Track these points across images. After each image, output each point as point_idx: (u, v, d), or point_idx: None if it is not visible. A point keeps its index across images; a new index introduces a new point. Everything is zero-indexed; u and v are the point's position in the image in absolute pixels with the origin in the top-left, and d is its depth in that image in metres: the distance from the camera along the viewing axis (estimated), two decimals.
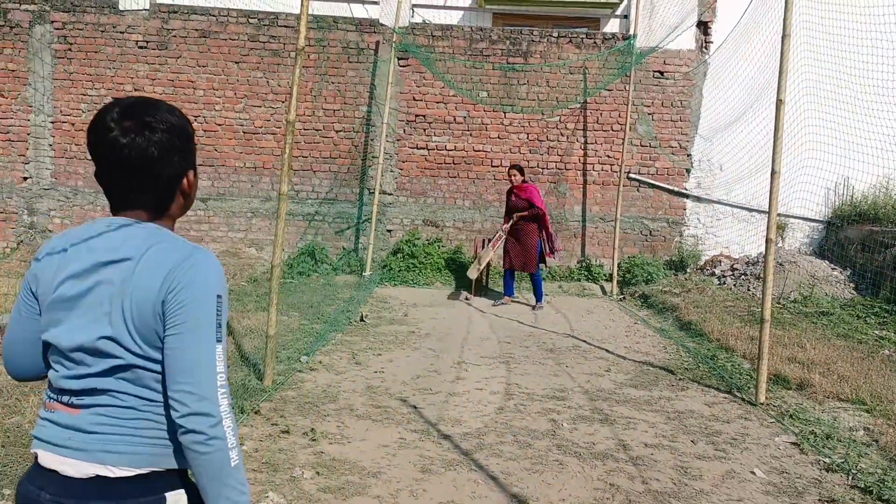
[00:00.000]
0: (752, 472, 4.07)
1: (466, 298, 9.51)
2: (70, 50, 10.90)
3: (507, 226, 9.25)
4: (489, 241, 9.75)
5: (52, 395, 1.58)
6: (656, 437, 4.61)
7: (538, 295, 9.22)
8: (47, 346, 1.60)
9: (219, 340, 1.52)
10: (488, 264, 9.99)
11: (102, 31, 10.90)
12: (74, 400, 1.53)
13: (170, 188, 1.60)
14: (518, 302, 9.29)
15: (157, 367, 1.52)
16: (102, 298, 1.51)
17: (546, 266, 9.58)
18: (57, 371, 1.56)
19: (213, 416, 1.47)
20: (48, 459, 1.54)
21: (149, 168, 1.53)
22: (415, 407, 5.03)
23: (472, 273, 9.64)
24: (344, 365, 6.05)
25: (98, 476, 1.50)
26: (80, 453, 1.51)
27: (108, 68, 10.93)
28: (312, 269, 10.52)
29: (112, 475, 1.50)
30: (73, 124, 10.95)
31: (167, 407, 1.52)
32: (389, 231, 11.31)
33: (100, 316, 1.50)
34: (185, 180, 1.63)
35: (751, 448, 4.47)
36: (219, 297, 1.53)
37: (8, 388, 4.58)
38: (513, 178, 9.23)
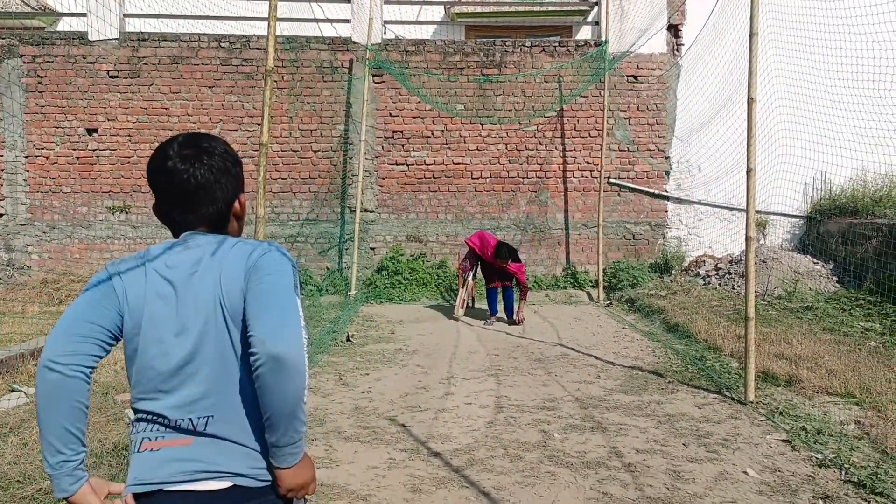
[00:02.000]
0: (745, 473, 4.04)
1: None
2: (41, 83, 10.81)
3: (473, 277, 9.33)
4: (462, 267, 9.48)
5: (155, 433, 1.58)
6: (648, 443, 4.57)
7: (510, 310, 9.00)
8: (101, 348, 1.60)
9: (297, 294, 1.62)
10: (472, 295, 9.88)
11: (73, 63, 10.82)
12: (187, 422, 1.56)
13: (225, 211, 1.70)
14: (503, 319, 9.17)
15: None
16: (199, 303, 1.58)
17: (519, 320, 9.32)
18: (160, 398, 1.58)
19: (300, 348, 1.53)
20: (173, 486, 1.56)
21: (206, 191, 1.63)
22: (404, 426, 4.97)
23: (458, 312, 9.37)
24: (331, 387, 5.97)
25: (235, 486, 1.57)
26: (209, 474, 1.56)
27: (81, 100, 10.84)
28: None
29: (246, 485, 1.58)
30: (47, 158, 10.84)
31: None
32: (373, 249, 11.26)
33: (199, 319, 1.57)
34: (237, 203, 1.73)
35: (742, 448, 4.45)
36: (293, 266, 1.66)
37: None
38: (502, 262, 8.68)
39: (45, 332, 7.36)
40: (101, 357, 1.59)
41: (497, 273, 8.95)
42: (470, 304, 9.80)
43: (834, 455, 4.20)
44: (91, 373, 1.58)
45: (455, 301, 9.61)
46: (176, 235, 1.68)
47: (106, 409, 4.94)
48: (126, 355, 1.63)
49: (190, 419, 1.56)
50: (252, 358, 1.50)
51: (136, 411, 1.63)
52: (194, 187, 1.62)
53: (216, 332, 1.57)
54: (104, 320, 1.58)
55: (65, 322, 1.56)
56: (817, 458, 4.21)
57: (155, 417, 1.59)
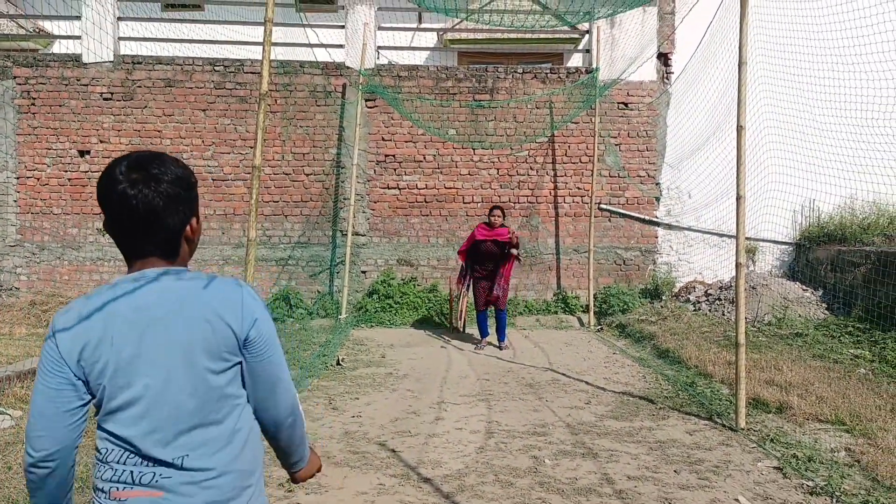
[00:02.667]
0: (737, 500, 4.03)
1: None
2: (33, 104, 10.81)
3: (467, 289, 9.22)
4: (460, 282, 9.50)
5: (120, 484, 1.55)
6: (639, 469, 4.55)
7: (502, 334, 8.99)
8: (81, 420, 1.60)
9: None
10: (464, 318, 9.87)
11: (66, 85, 10.84)
12: (160, 476, 1.54)
13: (176, 236, 1.66)
14: (493, 344, 9.15)
15: (225, 380, 1.62)
16: (171, 343, 1.57)
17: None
18: (128, 458, 1.56)
19: (298, 403, 1.83)
20: None
21: (155, 217, 1.59)
22: (394, 451, 4.93)
23: (458, 324, 9.64)
24: (320, 411, 5.93)
25: None
26: None
27: (73, 121, 10.85)
28: (287, 315, 10.40)
29: None
30: (38, 179, 10.82)
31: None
32: (364, 272, 11.25)
33: (174, 363, 1.56)
34: (188, 227, 1.68)
35: (734, 475, 4.43)
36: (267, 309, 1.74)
37: None
38: (495, 219, 8.74)
39: (31, 353, 7.29)
40: (83, 429, 1.62)
41: (493, 264, 8.87)
42: (460, 328, 9.79)
43: (825, 482, 4.20)
44: (76, 451, 1.63)
45: (454, 320, 9.78)
46: (127, 259, 1.66)
47: (91, 432, 4.87)
48: (96, 399, 1.59)
49: (164, 461, 1.54)
50: (274, 428, 1.77)
51: (107, 434, 1.58)
52: (143, 214, 1.58)
53: (191, 371, 1.58)
54: (68, 403, 1.57)
55: (34, 421, 1.57)
56: (808, 486, 4.20)
57: (127, 453, 1.56)
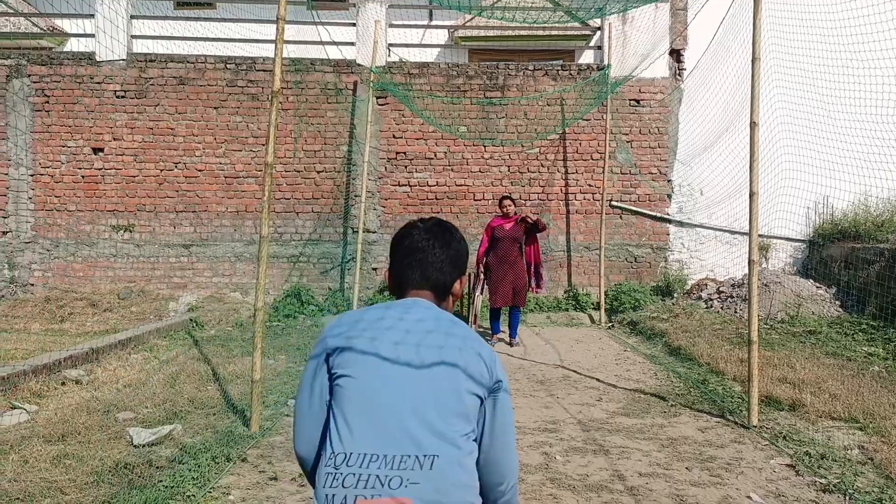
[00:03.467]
0: (749, 497, 4.02)
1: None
2: (48, 102, 10.90)
3: (481, 292, 9.21)
4: (473, 281, 9.49)
5: (368, 490, 1.58)
6: (651, 466, 4.55)
7: (513, 331, 8.99)
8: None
9: None
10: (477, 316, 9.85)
11: (80, 83, 10.92)
12: (409, 481, 1.59)
13: (447, 286, 2.02)
14: (504, 341, 9.14)
15: (474, 406, 1.76)
16: (441, 358, 1.77)
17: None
18: (371, 461, 1.61)
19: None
20: None
21: (437, 260, 1.99)
22: None
23: (472, 327, 9.65)
24: None
25: None
26: None
27: (87, 119, 10.93)
28: (298, 311, 10.43)
29: None
30: (52, 176, 10.90)
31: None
32: (375, 269, 11.27)
33: (441, 372, 1.74)
34: (457, 284, 2.04)
35: (746, 472, 4.42)
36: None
37: None
38: (507, 208, 8.77)
39: (46, 348, 7.36)
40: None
41: (512, 251, 8.77)
42: (471, 326, 9.81)
43: (838, 480, 4.18)
44: None
45: (469, 316, 9.77)
46: (402, 292, 1.98)
47: (107, 427, 4.93)
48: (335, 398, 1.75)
49: (416, 457, 1.61)
50: (500, 488, 1.82)
51: (340, 457, 1.65)
52: (429, 255, 1.97)
53: (453, 383, 1.74)
54: (324, 406, 1.79)
55: (302, 427, 1.84)
56: (821, 483, 4.18)
57: (371, 455, 1.63)
